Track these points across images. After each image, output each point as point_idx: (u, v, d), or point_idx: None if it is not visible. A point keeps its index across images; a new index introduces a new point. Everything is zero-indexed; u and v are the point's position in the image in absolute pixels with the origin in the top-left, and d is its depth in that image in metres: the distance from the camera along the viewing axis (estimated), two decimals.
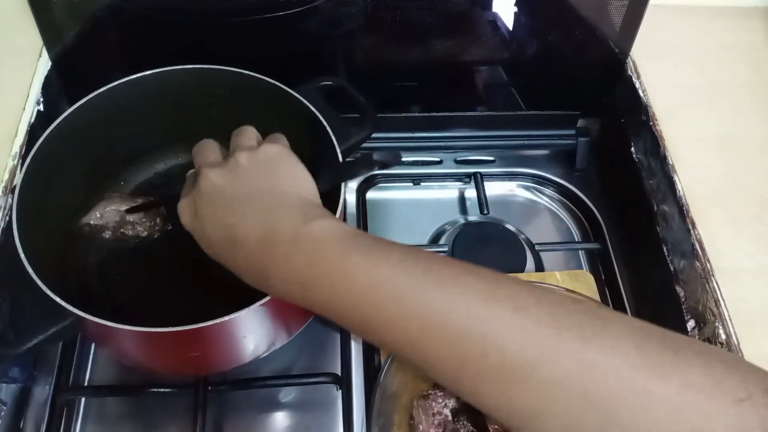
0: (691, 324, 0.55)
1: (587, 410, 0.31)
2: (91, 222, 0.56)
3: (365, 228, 0.67)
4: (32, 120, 0.59)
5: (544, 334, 0.32)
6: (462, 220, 0.69)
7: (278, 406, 0.57)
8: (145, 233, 0.58)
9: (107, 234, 0.57)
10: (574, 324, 0.32)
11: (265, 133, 0.53)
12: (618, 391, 0.30)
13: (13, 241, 0.44)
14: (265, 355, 0.54)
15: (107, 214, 0.57)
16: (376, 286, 0.35)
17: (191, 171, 0.49)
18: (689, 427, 0.29)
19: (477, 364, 0.33)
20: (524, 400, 0.32)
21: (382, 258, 0.36)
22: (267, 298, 0.43)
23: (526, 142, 0.73)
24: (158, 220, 0.58)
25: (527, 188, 0.73)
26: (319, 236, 0.37)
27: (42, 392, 0.56)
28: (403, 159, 0.72)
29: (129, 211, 0.57)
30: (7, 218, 0.52)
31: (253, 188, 0.42)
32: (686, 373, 0.30)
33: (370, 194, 0.71)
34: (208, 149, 0.48)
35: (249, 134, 0.47)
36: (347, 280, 0.36)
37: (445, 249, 0.65)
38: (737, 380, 0.30)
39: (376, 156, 0.46)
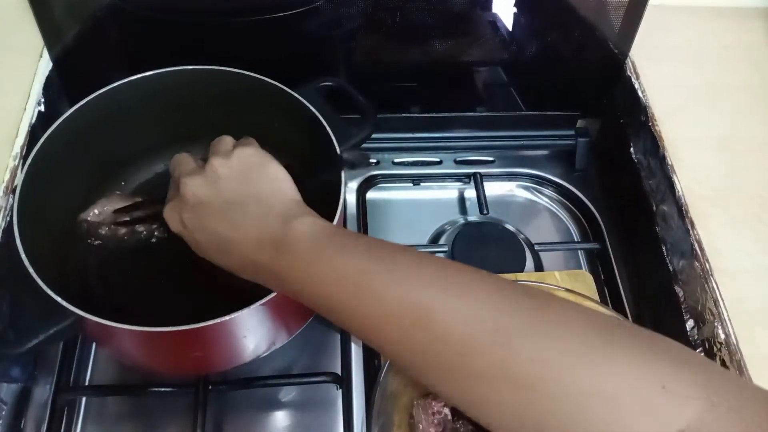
0: (690, 324, 0.55)
1: (533, 399, 0.32)
2: (89, 218, 0.57)
3: (365, 228, 0.67)
4: (33, 120, 0.59)
5: (484, 324, 0.33)
6: (462, 221, 0.69)
7: (278, 405, 0.57)
8: (144, 233, 0.58)
9: (104, 231, 0.57)
10: (516, 311, 0.34)
11: (265, 134, 0.54)
12: (543, 379, 0.32)
13: (14, 241, 0.45)
14: (265, 354, 0.54)
15: (105, 212, 0.57)
16: (339, 280, 0.38)
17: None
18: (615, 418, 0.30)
19: (426, 353, 0.35)
20: (471, 388, 0.34)
21: (348, 253, 0.38)
22: (267, 298, 0.44)
23: (525, 142, 0.73)
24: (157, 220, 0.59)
25: (527, 188, 0.73)
26: (297, 235, 0.40)
27: (42, 392, 0.56)
28: (403, 159, 0.73)
29: (119, 211, 0.57)
30: (8, 218, 0.52)
31: (234, 195, 0.44)
32: (616, 366, 0.31)
33: (370, 194, 0.71)
34: (184, 160, 0.49)
35: (225, 141, 0.48)
36: (316, 273, 0.38)
37: (445, 249, 0.65)
38: (679, 377, 0.30)
39: (345, 156, 0.48)
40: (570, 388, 0.31)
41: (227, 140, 0.48)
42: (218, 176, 0.44)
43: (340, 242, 0.39)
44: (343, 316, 0.38)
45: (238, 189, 0.44)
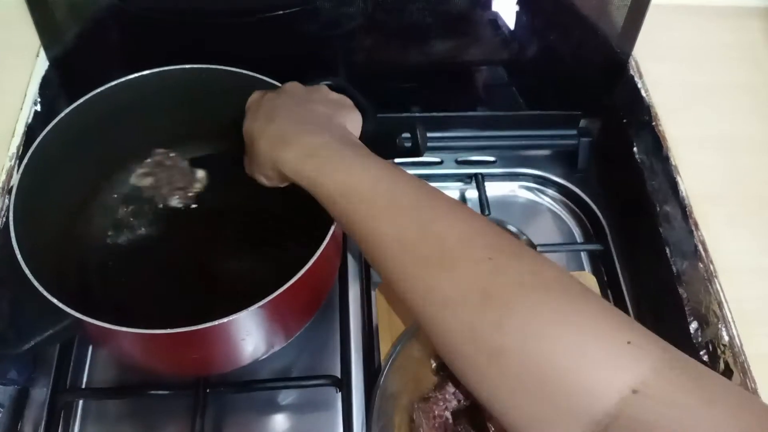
0: (693, 326, 0.55)
1: (486, 308, 0.34)
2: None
3: None
4: (29, 120, 0.58)
5: (492, 244, 0.36)
6: None
7: (278, 408, 0.57)
8: (144, 231, 0.58)
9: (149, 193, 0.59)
10: (515, 251, 0.36)
11: None
12: (514, 298, 0.34)
13: (11, 242, 0.44)
14: (264, 356, 0.54)
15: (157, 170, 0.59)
16: (358, 166, 0.42)
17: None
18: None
19: (427, 247, 0.37)
20: (451, 283, 0.36)
21: (373, 159, 0.43)
22: (266, 300, 0.43)
23: (527, 142, 0.73)
24: (157, 219, 0.59)
25: (528, 189, 0.73)
26: (338, 135, 0.45)
27: (40, 394, 0.56)
28: (404, 159, 0.72)
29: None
30: (4, 219, 0.52)
31: (317, 100, 0.48)
32: (592, 316, 0.33)
33: None
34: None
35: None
36: (341, 158, 0.42)
37: None
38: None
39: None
40: (541, 315, 0.33)
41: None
42: (318, 90, 0.50)
43: (370, 153, 0.44)
44: (349, 200, 0.41)
45: (323, 101, 0.48)
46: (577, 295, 0.34)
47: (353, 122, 0.48)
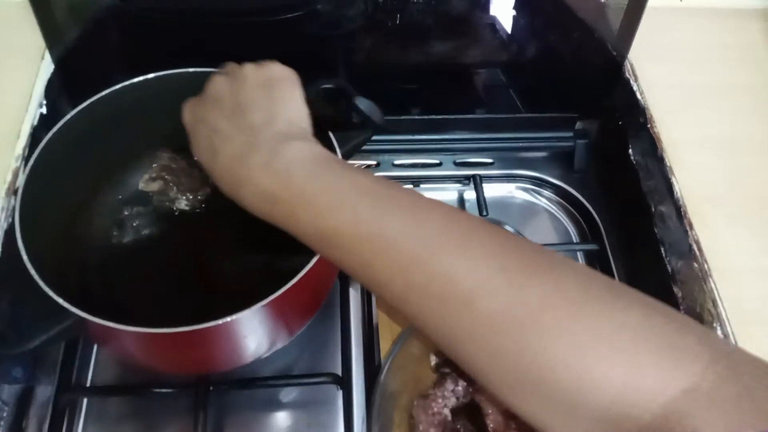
0: None
1: (510, 344, 0.32)
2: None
3: None
4: (35, 122, 0.59)
5: (488, 268, 0.33)
6: None
7: (279, 406, 0.57)
8: (146, 232, 0.58)
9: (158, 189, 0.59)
10: (519, 262, 0.34)
11: None
12: (538, 330, 0.32)
13: (16, 242, 0.45)
14: (266, 355, 0.54)
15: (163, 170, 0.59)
16: (335, 208, 0.37)
17: None
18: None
19: (422, 290, 0.34)
20: (462, 328, 0.34)
21: (347, 183, 0.38)
22: (268, 299, 0.44)
23: (524, 144, 0.73)
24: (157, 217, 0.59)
25: (526, 190, 0.74)
26: (291, 156, 0.39)
27: (44, 392, 0.56)
28: (403, 161, 0.73)
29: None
30: (10, 220, 0.52)
31: (247, 99, 0.43)
32: (613, 324, 0.31)
33: None
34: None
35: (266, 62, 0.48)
36: (309, 200, 0.37)
37: None
38: (684, 349, 0.30)
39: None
40: (558, 333, 0.31)
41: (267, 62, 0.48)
42: (242, 78, 0.45)
43: (339, 169, 0.39)
44: (332, 245, 0.37)
45: (254, 95, 0.44)
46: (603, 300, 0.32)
47: (293, 99, 0.44)
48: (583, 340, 0.31)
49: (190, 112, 0.47)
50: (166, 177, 0.59)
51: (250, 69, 0.45)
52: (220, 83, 0.45)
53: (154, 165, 0.60)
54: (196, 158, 0.45)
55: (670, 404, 0.29)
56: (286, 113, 0.43)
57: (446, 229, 0.36)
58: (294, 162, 0.39)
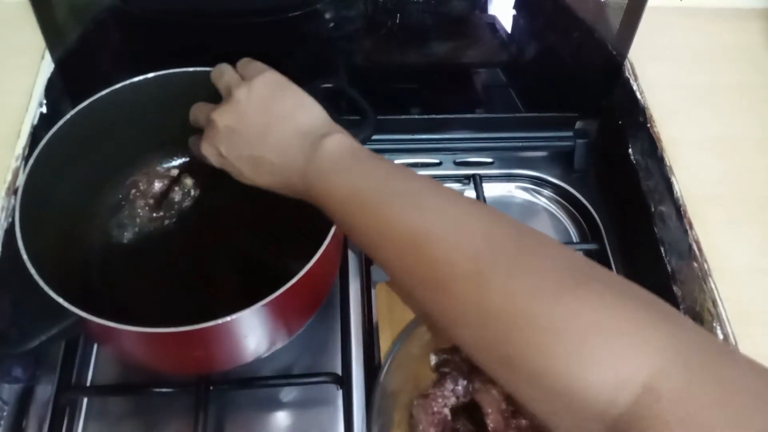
0: None
1: (500, 330, 0.33)
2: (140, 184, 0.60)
3: None
4: (35, 121, 0.59)
5: (467, 253, 0.35)
6: None
7: (279, 405, 0.57)
8: (146, 232, 0.59)
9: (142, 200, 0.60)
10: (508, 244, 0.35)
11: None
12: (511, 311, 0.33)
13: (16, 242, 0.45)
14: (266, 354, 0.55)
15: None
16: (352, 196, 0.40)
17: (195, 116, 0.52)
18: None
19: (413, 275, 0.37)
20: (449, 311, 0.36)
21: (364, 172, 0.41)
22: (269, 299, 0.44)
23: (524, 143, 0.74)
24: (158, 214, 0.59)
25: (525, 189, 0.74)
26: (324, 153, 0.43)
27: (44, 392, 0.56)
28: (403, 161, 0.73)
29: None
30: (10, 220, 0.53)
31: (260, 118, 0.46)
32: (589, 309, 0.31)
33: None
34: (204, 106, 0.51)
35: (229, 72, 0.50)
36: (333, 189, 0.42)
37: None
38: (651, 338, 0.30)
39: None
40: (536, 323, 0.32)
41: (229, 70, 0.50)
42: (243, 104, 0.46)
43: (360, 163, 0.42)
44: (352, 232, 0.41)
45: (263, 112, 0.46)
46: (581, 281, 0.33)
47: (306, 99, 0.47)
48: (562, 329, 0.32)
49: (214, 154, 0.48)
50: (140, 200, 0.60)
51: (241, 92, 0.46)
52: (223, 117, 0.47)
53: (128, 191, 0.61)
54: (247, 183, 0.47)
55: (637, 395, 0.29)
56: (302, 110, 0.46)
57: (443, 209, 0.38)
58: (324, 159, 0.42)
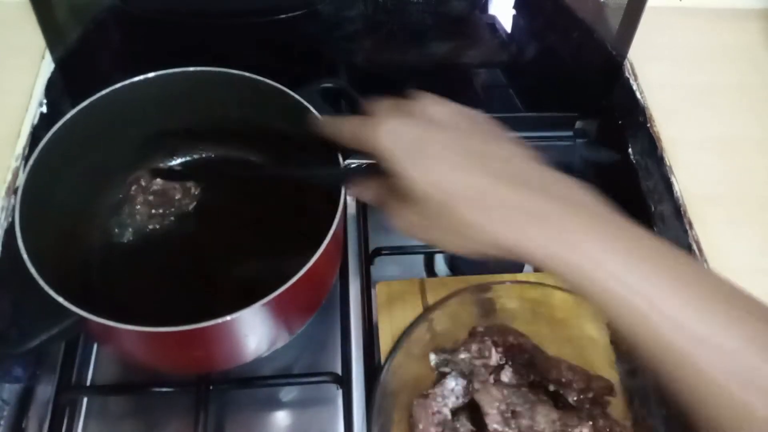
0: None
1: None
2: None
3: (365, 230, 0.67)
4: (35, 121, 0.59)
5: None
6: None
7: (279, 404, 0.57)
8: (146, 231, 0.59)
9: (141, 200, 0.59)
10: None
11: (266, 134, 0.54)
12: None
13: (16, 241, 0.45)
14: (266, 354, 0.54)
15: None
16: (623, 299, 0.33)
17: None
18: None
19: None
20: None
21: (631, 265, 0.34)
22: (269, 298, 0.44)
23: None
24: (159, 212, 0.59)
25: None
26: (582, 226, 0.36)
27: (44, 391, 0.56)
28: None
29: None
30: (10, 219, 0.53)
31: (467, 142, 0.37)
32: None
33: None
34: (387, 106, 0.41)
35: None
36: (619, 288, 0.34)
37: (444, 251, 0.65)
38: None
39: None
40: None
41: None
42: (434, 118, 0.38)
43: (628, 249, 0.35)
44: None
45: (469, 137, 0.37)
46: None
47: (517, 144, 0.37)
48: None
49: (405, 139, 0.39)
50: (144, 204, 0.60)
51: (430, 102, 0.38)
52: (405, 131, 0.38)
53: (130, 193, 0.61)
54: (414, 179, 0.37)
55: None
56: (521, 157, 0.38)
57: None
58: (586, 239, 0.35)
